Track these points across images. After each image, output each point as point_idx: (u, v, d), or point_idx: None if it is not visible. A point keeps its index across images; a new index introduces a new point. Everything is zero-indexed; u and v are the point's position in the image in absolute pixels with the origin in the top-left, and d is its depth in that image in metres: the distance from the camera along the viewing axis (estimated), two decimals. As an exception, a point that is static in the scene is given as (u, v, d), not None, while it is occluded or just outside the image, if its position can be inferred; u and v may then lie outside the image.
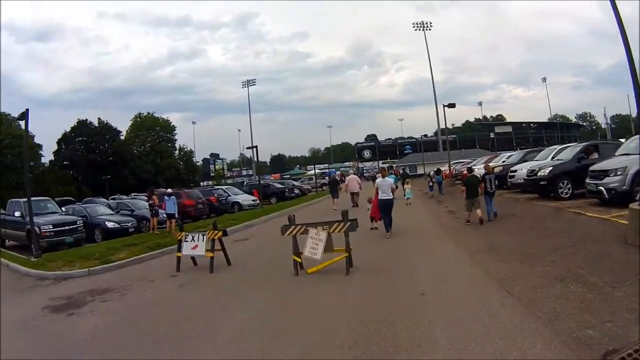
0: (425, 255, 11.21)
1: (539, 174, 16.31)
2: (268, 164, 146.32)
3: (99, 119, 78.19)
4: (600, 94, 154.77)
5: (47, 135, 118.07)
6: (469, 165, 24.03)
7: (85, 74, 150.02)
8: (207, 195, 30.63)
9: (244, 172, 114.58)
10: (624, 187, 12.02)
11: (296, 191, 42.88)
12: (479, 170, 25.66)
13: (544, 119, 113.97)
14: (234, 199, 32.68)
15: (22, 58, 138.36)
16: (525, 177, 17.60)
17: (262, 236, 17.34)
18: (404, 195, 24.48)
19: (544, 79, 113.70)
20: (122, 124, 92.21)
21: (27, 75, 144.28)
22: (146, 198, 26.19)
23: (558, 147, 20.96)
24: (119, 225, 20.55)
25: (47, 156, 73.21)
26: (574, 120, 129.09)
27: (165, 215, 20.31)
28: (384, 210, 14.06)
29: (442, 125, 77.51)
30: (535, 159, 20.51)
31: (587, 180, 13.55)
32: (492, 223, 14.40)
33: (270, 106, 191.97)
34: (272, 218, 23.84)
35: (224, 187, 38.59)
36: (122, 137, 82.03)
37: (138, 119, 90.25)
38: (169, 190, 22.11)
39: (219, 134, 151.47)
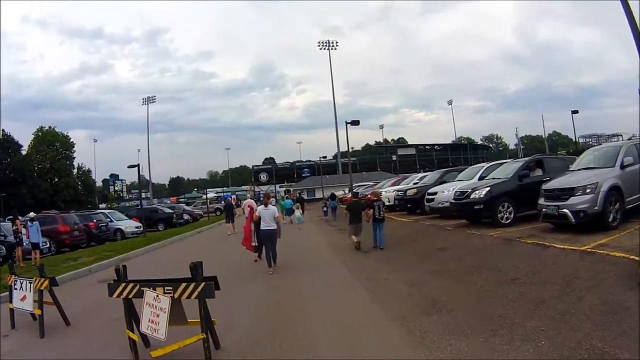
0: (326, 305, 8.24)
1: (472, 196, 13.11)
2: (167, 186, 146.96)
3: (2, 130, 71.80)
4: (505, 116, 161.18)
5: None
6: (354, 190, 24.93)
7: (6, 82, 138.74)
8: (86, 221, 26.51)
9: (143, 195, 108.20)
10: (596, 208, 9.59)
11: (185, 217, 39.21)
12: (386, 193, 23.25)
13: (447, 141, 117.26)
14: (116, 225, 29.27)
15: None
16: (453, 201, 14.28)
17: (134, 275, 13.10)
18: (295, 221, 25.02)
19: (450, 102, 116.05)
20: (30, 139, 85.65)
21: None
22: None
23: (485, 164, 18.20)
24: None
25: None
26: (479, 142, 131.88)
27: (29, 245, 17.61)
28: (266, 243, 12.40)
29: (343, 147, 77.46)
30: (458, 179, 17.75)
31: (541, 202, 10.74)
32: (423, 263, 10.94)
33: (171, 126, 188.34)
34: (152, 249, 20.56)
35: (106, 211, 34.50)
36: (24, 152, 75.31)
37: (40, 133, 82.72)
38: (31, 214, 18.94)
39: (120, 154, 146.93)
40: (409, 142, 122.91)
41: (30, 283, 8.34)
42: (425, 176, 23.33)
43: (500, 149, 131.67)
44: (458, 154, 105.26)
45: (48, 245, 21.10)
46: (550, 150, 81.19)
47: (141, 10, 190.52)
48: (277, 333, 6.71)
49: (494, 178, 14.08)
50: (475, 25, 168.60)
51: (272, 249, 12.14)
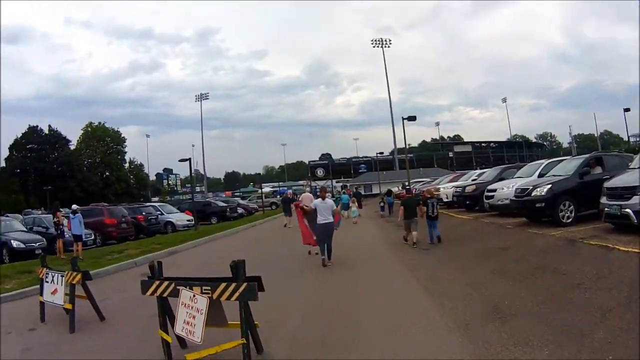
0: (382, 308, 7.67)
1: (533, 193, 12.62)
2: (222, 181, 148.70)
3: (49, 126, 75.06)
4: (559, 115, 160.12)
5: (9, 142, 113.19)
6: (407, 187, 25.17)
7: (49, 81, 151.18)
8: (135, 214, 26.84)
9: (198, 189, 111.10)
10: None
11: (239, 210, 39.27)
12: (444, 189, 22.79)
13: (502, 139, 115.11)
14: (166, 218, 29.18)
15: None
16: (514, 198, 13.75)
17: (179, 270, 12.91)
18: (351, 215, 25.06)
19: (504, 100, 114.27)
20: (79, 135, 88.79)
21: None
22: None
23: (545, 161, 17.50)
24: (24, 245, 17.74)
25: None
26: (533, 140, 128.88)
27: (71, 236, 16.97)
28: (321, 236, 12.08)
29: (400, 143, 76.78)
30: (517, 176, 17.15)
31: (604, 201, 10.12)
32: (484, 263, 10.42)
33: (226, 123, 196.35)
34: (203, 242, 20.36)
35: (157, 204, 34.57)
36: (72, 147, 79.11)
37: (89, 129, 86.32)
38: (74, 206, 18.20)
39: (174, 149, 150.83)
40: (465, 140, 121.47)
41: (62, 276, 7.93)
42: (483, 173, 22.86)
43: (554, 147, 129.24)
44: (513, 151, 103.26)
45: (93, 238, 20.81)
46: (603, 149, 78.17)
47: (190, 11, 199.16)
48: (326, 340, 6.23)
49: (554, 175, 13.56)
50: (524, 24, 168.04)
51: (328, 243, 11.93)
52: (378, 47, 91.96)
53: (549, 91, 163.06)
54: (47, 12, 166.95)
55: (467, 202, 19.78)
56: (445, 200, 22.98)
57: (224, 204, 38.99)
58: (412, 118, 29.47)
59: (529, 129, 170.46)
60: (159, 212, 29.45)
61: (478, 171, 24.79)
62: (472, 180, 22.17)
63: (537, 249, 10.21)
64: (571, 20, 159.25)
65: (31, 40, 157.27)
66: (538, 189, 12.53)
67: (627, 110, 60.22)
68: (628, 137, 71.58)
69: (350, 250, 14.15)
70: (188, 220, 28.53)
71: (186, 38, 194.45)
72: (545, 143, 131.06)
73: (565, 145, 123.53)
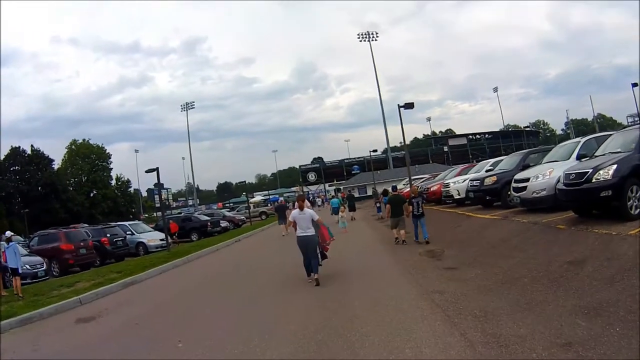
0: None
1: (594, 178, 9.01)
2: (215, 192, 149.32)
3: (31, 146, 72.49)
4: (548, 102, 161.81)
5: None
6: (393, 185, 23.65)
7: (38, 102, 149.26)
8: (99, 236, 23.61)
9: (190, 202, 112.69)
10: None
11: (223, 224, 35.62)
12: (454, 184, 20.25)
13: (495, 130, 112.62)
14: (137, 238, 26.21)
15: None
16: (564, 187, 10.05)
17: (130, 310, 10.36)
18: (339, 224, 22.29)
19: (496, 89, 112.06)
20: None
21: None
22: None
23: (580, 139, 13.82)
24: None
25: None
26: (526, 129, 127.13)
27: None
28: (303, 251, 10.56)
29: (392, 142, 74.85)
30: (546, 160, 13.69)
31: None
32: (555, 290, 6.70)
33: (217, 134, 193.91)
34: (172, 267, 17.13)
35: (128, 223, 30.62)
36: (56, 166, 76.48)
37: (73, 146, 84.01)
38: (8, 233, 14.85)
39: (167, 163, 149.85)
40: (457, 134, 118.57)
41: None
42: (499, 161, 19.12)
43: (548, 134, 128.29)
44: (509, 141, 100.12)
45: (44, 268, 18.17)
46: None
47: (175, 21, 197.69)
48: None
49: (610, 153, 10.00)
50: (510, 13, 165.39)
51: (312, 258, 10.41)
52: (365, 41, 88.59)
53: (537, 79, 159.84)
54: (32, 31, 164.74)
55: (488, 198, 16.09)
56: (456, 197, 19.62)
57: (206, 218, 35.62)
58: (409, 105, 26.08)
59: (520, 119, 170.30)
60: (128, 232, 26.46)
61: (491, 160, 21.02)
62: (486, 171, 18.63)
63: (629, 260, 6.63)
64: (557, 6, 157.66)
65: (19, 61, 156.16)
66: (602, 172, 8.96)
67: (635, 85, 55.83)
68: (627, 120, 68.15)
69: (346, 261, 12.34)
70: (161, 240, 25.34)
71: (173, 49, 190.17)
72: (539, 131, 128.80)
73: (558, 132, 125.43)
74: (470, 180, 17.81)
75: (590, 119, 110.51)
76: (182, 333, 7.15)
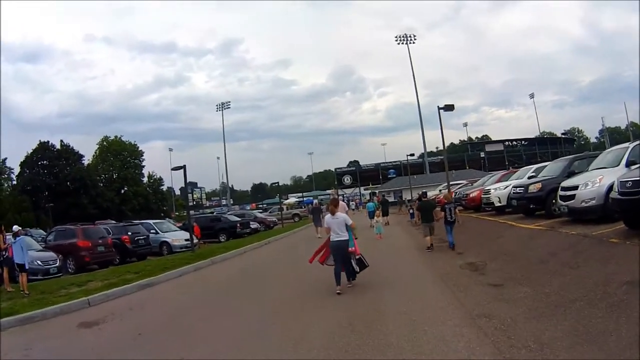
0: None
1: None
2: (249, 192, 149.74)
3: (61, 141, 73.64)
4: (582, 110, 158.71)
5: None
6: (424, 191, 24.53)
7: (72, 98, 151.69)
8: (120, 233, 23.11)
9: (224, 202, 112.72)
10: None
11: (254, 225, 34.88)
12: (495, 191, 19.29)
13: (531, 137, 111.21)
14: (162, 237, 25.26)
15: (10, 78, 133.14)
16: (618, 197, 9.03)
17: (139, 317, 9.82)
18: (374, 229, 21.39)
19: (532, 95, 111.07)
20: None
21: (15, 97, 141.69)
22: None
23: (629, 144, 12.61)
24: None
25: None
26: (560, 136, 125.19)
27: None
28: (336, 257, 10.13)
29: (429, 147, 73.81)
30: (593, 167, 12.75)
31: None
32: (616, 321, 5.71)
33: (254, 134, 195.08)
34: (192, 270, 16.29)
35: (153, 221, 29.52)
36: (86, 162, 78.00)
37: (105, 143, 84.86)
38: (15, 227, 14.46)
39: (201, 163, 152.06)
40: (493, 140, 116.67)
41: None
42: (542, 167, 18.14)
43: (582, 142, 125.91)
44: (545, 148, 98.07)
45: (57, 265, 17.47)
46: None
47: (211, 23, 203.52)
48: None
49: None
50: (542, 17, 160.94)
51: (345, 265, 10.16)
52: (403, 43, 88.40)
53: (571, 86, 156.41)
54: (64, 29, 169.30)
55: (531, 206, 15.11)
56: (497, 204, 18.60)
57: (236, 219, 34.64)
58: (449, 107, 25.40)
59: (555, 126, 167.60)
60: (152, 231, 25.71)
61: (533, 166, 19.94)
62: (528, 177, 17.68)
63: None
64: (588, 9, 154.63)
65: (51, 58, 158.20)
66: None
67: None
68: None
69: (379, 270, 11.54)
70: (186, 240, 24.00)
71: (210, 50, 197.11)
72: (574, 138, 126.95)
73: (592, 140, 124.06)
74: (513, 186, 16.74)
75: (623, 127, 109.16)
76: (184, 351, 6.57)
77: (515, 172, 21.83)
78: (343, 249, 10.10)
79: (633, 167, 10.33)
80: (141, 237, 23.78)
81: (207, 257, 18.70)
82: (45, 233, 29.75)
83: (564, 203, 12.24)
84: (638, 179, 8.60)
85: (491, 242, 13.61)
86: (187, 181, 23.39)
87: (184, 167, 22.54)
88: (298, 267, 13.70)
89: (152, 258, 21.94)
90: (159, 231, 25.98)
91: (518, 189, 15.89)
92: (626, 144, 13.19)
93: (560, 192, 12.58)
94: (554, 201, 13.62)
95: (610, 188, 9.92)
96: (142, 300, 11.56)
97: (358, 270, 10.49)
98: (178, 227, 29.81)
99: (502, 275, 9.50)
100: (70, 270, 18.88)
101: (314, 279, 11.20)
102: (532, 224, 13.79)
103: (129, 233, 23.48)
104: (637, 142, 12.32)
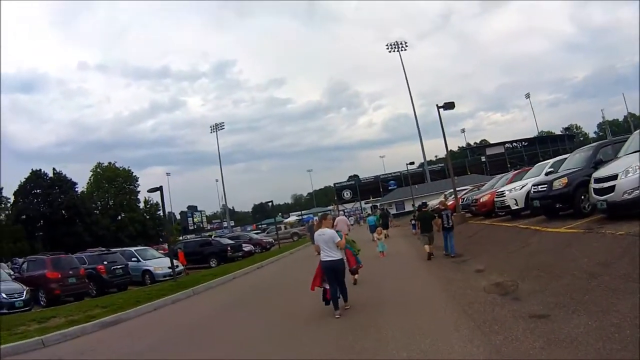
0: None
1: None
2: (250, 213, 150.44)
3: (53, 169, 73.21)
4: (578, 106, 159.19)
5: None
6: (423, 201, 23.55)
7: (69, 127, 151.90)
8: (95, 263, 21.54)
9: (225, 224, 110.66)
10: None
11: (246, 248, 32.87)
12: (510, 192, 17.13)
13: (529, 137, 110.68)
14: (144, 265, 24.01)
15: (7, 109, 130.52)
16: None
17: None
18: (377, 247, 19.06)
19: (528, 95, 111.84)
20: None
21: (12, 127, 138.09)
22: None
23: None
24: None
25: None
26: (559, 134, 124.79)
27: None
28: (329, 277, 9.19)
29: (429, 156, 72.33)
30: (626, 152, 10.82)
31: None
32: None
33: (251, 155, 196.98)
34: (170, 303, 14.71)
35: (134, 248, 27.88)
36: (80, 190, 77.18)
37: (98, 169, 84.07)
38: None
39: (200, 186, 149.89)
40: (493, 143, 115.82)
41: None
42: (561, 161, 15.81)
43: (581, 138, 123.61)
44: (546, 147, 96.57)
45: (24, 298, 16.25)
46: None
47: (203, 46, 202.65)
48: None
49: None
50: (532, 17, 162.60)
51: (338, 285, 9.33)
52: (394, 51, 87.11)
53: (564, 83, 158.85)
54: (57, 57, 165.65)
55: (558, 205, 12.81)
56: (514, 207, 16.41)
57: (228, 242, 32.63)
58: (449, 105, 24.07)
59: (552, 125, 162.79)
60: (134, 259, 24.30)
61: (549, 161, 17.58)
62: (546, 174, 15.20)
63: None
64: (576, 6, 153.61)
65: (46, 87, 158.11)
66: None
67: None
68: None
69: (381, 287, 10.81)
70: (169, 268, 21.99)
71: (203, 73, 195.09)
72: (574, 134, 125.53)
73: (591, 135, 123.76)
74: (533, 185, 14.42)
75: (621, 119, 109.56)
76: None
77: (528, 170, 19.52)
78: (335, 270, 9.30)
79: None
80: (118, 267, 22.10)
81: (188, 286, 17.12)
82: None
83: (600, 197, 10.05)
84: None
85: (516, 254, 11.04)
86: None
87: (160, 188, 21.15)
88: (289, 292, 13.07)
89: (133, 288, 20.76)
90: (140, 259, 24.51)
91: (540, 187, 13.54)
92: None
93: (594, 185, 10.44)
94: (582, 197, 11.74)
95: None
96: (99, 342, 10.06)
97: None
98: (161, 254, 28.22)
99: (544, 300, 7.07)
100: (42, 303, 17.89)
101: (306, 306, 10.06)
102: (562, 226, 11.38)
103: (105, 262, 21.82)
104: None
